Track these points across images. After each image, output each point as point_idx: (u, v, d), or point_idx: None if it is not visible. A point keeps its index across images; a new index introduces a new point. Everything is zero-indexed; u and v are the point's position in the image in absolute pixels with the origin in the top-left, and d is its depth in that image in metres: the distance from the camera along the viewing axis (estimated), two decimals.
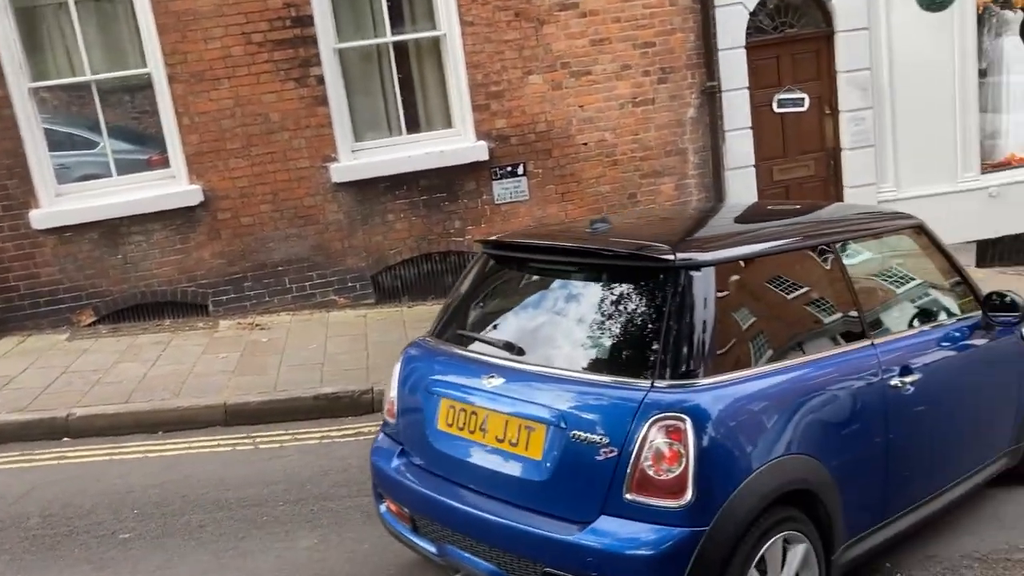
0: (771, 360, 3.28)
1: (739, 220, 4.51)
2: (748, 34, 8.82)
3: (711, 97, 8.75)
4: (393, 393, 3.79)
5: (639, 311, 3.26)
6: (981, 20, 9.37)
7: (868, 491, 3.56)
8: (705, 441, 2.93)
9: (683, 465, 2.90)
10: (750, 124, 8.95)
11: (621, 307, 3.32)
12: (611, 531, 2.94)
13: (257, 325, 7.83)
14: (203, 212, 7.98)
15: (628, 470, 2.94)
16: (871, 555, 3.65)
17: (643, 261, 3.28)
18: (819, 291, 3.66)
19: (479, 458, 3.32)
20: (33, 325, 7.81)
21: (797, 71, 9.12)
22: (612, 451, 2.96)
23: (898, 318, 3.99)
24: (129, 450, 5.65)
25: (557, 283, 3.60)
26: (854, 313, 3.66)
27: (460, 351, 3.64)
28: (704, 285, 3.20)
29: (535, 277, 3.73)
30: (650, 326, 3.17)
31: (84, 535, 4.54)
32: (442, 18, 8.23)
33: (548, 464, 3.10)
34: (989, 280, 8.84)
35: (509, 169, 8.51)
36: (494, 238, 3.98)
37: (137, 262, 7.96)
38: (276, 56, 7.90)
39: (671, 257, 3.22)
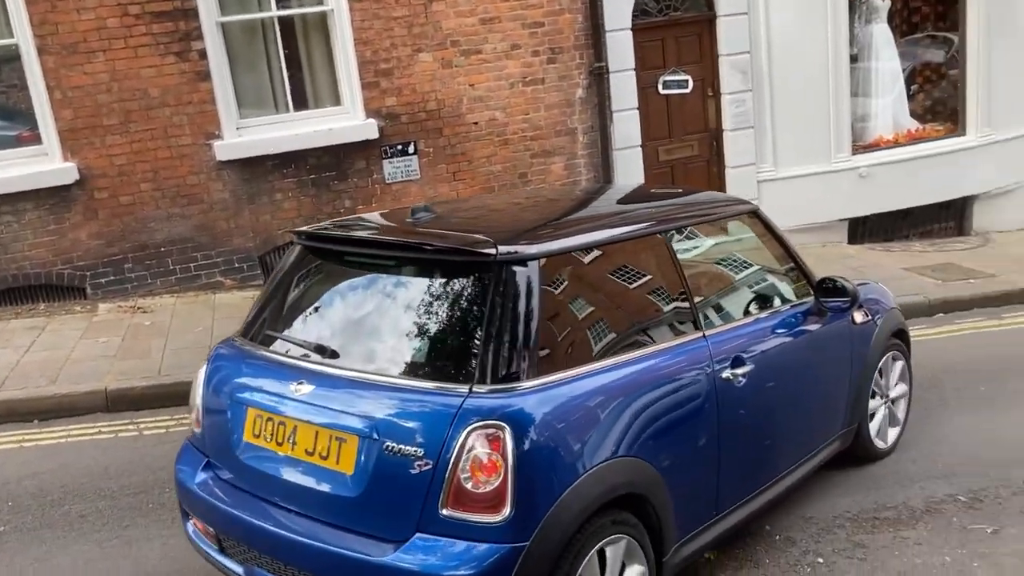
0: (598, 358, 3.16)
1: (573, 209, 4.31)
2: (635, 16, 8.99)
3: (599, 78, 8.89)
4: (198, 400, 3.49)
5: (459, 311, 3.06)
6: (852, 7, 9.79)
7: (700, 488, 3.52)
8: (525, 450, 2.77)
9: (501, 477, 2.73)
10: (637, 105, 9.14)
11: (441, 306, 3.11)
12: (425, 550, 2.76)
13: (139, 308, 7.56)
14: (79, 191, 7.64)
15: (444, 484, 2.75)
16: (704, 550, 3.65)
17: (462, 256, 3.09)
18: (649, 282, 3.58)
19: (288, 473, 3.07)
20: None
21: (682, 54, 9.36)
22: (427, 463, 2.77)
23: (731, 307, 3.95)
24: (2, 440, 5.39)
25: (374, 279, 3.33)
26: (686, 304, 3.59)
27: (269, 354, 3.35)
28: (527, 281, 3.03)
29: (351, 272, 3.44)
30: (470, 327, 2.99)
31: None
32: None
33: (360, 479, 2.89)
34: (859, 256, 9.35)
35: (400, 148, 8.45)
36: (307, 228, 3.67)
37: (7, 244, 7.56)
38: (155, 29, 7.60)
39: (492, 251, 3.02)
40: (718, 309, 3.84)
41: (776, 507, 4.16)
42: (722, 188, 9.68)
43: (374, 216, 4.29)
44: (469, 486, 2.75)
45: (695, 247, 3.97)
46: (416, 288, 3.20)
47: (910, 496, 4.45)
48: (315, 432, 3.01)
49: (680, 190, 5.13)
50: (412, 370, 3.03)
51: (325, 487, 2.97)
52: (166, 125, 7.77)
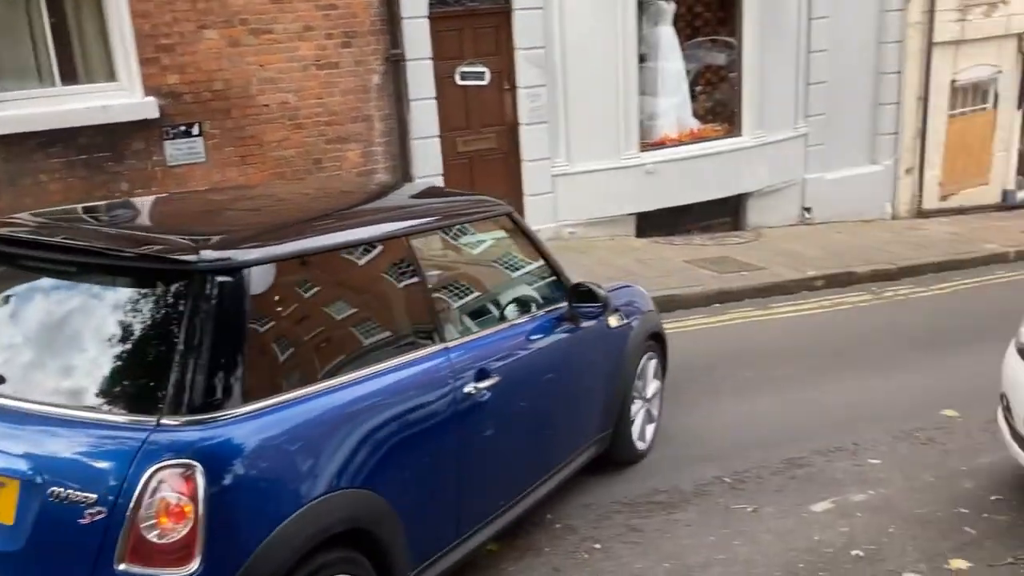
0: (319, 380, 2.85)
1: (311, 209, 3.88)
2: (431, 4, 8.92)
3: (396, 65, 8.76)
4: None
5: (150, 329, 2.65)
6: (641, 8, 10.19)
7: (440, 512, 3.31)
8: (221, 490, 2.44)
9: (191, 523, 2.39)
10: (434, 95, 9.10)
11: (129, 323, 2.67)
12: None
13: None
14: None
15: (121, 535, 2.37)
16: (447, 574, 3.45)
17: (154, 263, 2.67)
18: (387, 292, 3.34)
19: None
20: None
21: (479, 45, 9.40)
22: (100, 511, 2.37)
23: (480, 316, 3.78)
24: None
25: (53, 288, 2.85)
26: (427, 315, 3.36)
27: None
28: (234, 293, 2.66)
29: (24, 279, 2.93)
30: (162, 349, 2.59)
31: None
32: None
33: (21, 530, 2.46)
34: (645, 249, 9.78)
35: (183, 128, 7.97)
36: None
37: None
38: None
39: (191, 258, 2.64)
40: (465, 318, 3.66)
41: (555, 495, 4.26)
42: (518, 181, 9.85)
43: (75, 209, 3.65)
44: (152, 536, 2.39)
45: (443, 252, 3.82)
46: (101, 301, 2.75)
47: (681, 480, 4.69)
48: None
49: (456, 192, 4.98)
50: (90, 399, 2.59)
51: None
52: None
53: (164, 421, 2.47)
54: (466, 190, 4.99)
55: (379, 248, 3.31)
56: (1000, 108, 14.16)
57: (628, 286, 5.21)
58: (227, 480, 2.48)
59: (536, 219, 9.87)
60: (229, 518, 2.48)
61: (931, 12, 12.43)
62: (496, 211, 4.08)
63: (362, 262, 3.25)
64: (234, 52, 8.04)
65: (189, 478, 2.41)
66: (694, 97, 11.15)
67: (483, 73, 9.20)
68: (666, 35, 10.61)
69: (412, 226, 3.49)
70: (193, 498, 2.40)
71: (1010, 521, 4.25)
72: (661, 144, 10.65)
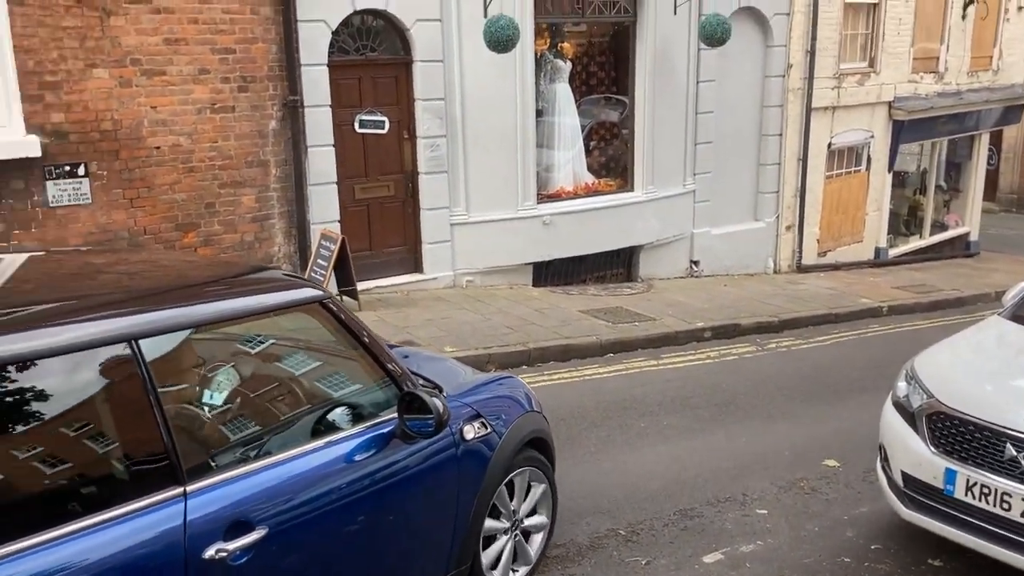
0: None
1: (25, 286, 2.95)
2: (331, 52, 8.92)
3: (294, 111, 8.70)
4: None
5: None
6: (539, 65, 10.46)
7: None
8: None
9: None
10: (333, 142, 9.06)
11: None
12: None
13: None
14: None
15: None
16: None
17: None
18: (87, 419, 2.42)
19: None
20: None
21: (379, 94, 9.43)
22: None
23: (257, 443, 2.82)
24: None
25: None
26: (155, 448, 2.45)
27: None
28: None
29: None
30: None
31: None
32: None
33: None
34: (542, 298, 9.90)
35: (67, 168, 7.67)
36: None
37: None
38: None
39: None
40: (230, 448, 2.76)
41: None
42: (417, 229, 9.86)
43: None
44: None
45: (209, 356, 2.91)
46: None
47: (577, 533, 4.71)
48: None
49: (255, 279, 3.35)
50: None
51: None
52: None
53: None
54: (258, 271, 3.74)
55: (80, 357, 2.39)
56: (872, 170, 15.08)
57: (506, 378, 4.37)
58: None
59: (434, 267, 9.94)
60: None
61: (810, 79, 13.18)
62: (299, 297, 3.13)
63: (50, 378, 2.35)
64: (125, 93, 7.82)
65: None
66: (588, 152, 11.46)
67: (383, 122, 9.22)
68: (563, 91, 10.91)
69: (141, 324, 2.54)
70: None
71: (888, 570, 4.44)
72: (558, 196, 10.87)
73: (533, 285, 10.62)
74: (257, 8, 8.36)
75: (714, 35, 10.68)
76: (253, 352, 3.06)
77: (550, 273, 10.80)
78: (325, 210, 9.11)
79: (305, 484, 2.83)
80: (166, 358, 2.61)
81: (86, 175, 7.77)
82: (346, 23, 9.02)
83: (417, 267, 9.98)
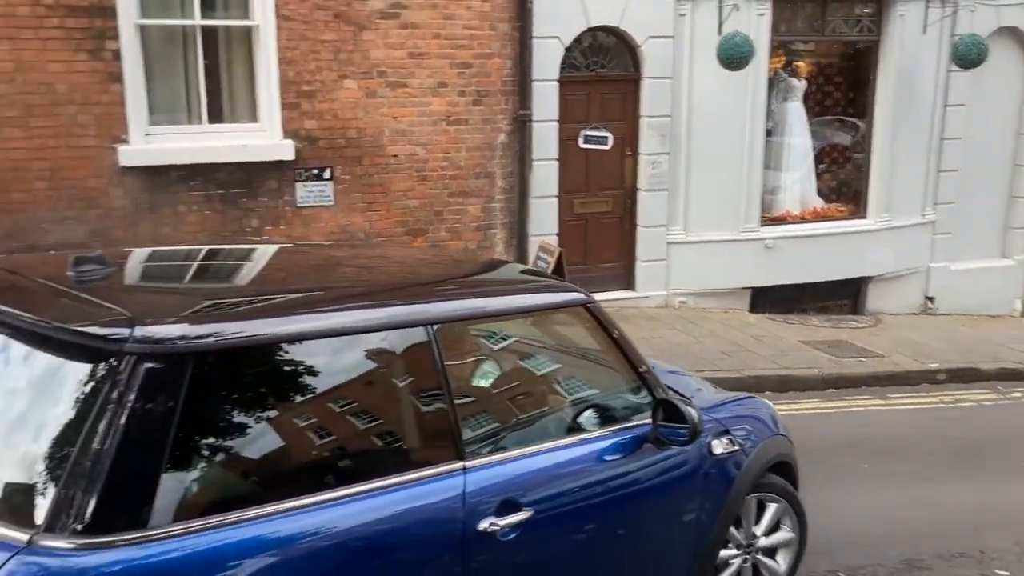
0: (267, 503, 2.28)
1: (309, 281, 3.21)
2: (562, 69, 9.08)
3: (522, 125, 8.93)
4: None
5: (59, 417, 2.15)
6: (771, 84, 10.15)
7: None
8: None
9: None
10: (557, 156, 9.21)
11: (38, 407, 2.23)
12: None
13: None
14: None
15: None
16: None
17: (75, 337, 2.19)
18: (389, 393, 2.69)
19: None
20: None
21: (605, 110, 9.49)
22: None
23: (524, 431, 3.03)
24: None
25: None
26: (444, 425, 2.66)
27: None
28: (167, 383, 2.15)
29: None
30: (61, 445, 2.11)
31: None
32: (257, 8, 7.90)
33: None
34: (759, 325, 9.56)
35: (315, 172, 8.28)
36: None
37: None
38: (69, 23, 7.27)
39: (121, 333, 2.15)
40: (502, 433, 2.95)
41: None
42: (633, 246, 9.82)
43: (47, 258, 3.28)
44: None
45: (487, 348, 3.14)
46: (14, 375, 2.32)
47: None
48: None
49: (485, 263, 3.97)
50: None
51: None
52: (70, 124, 7.41)
53: (41, 540, 1.99)
54: (544, 274, 4.11)
55: (384, 338, 2.67)
56: None
57: (749, 398, 4.28)
58: None
59: (647, 286, 9.84)
60: None
61: None
62: (566, 299, 3.27)
63: (360, 354, 2.63)
64: (370, 103, 8.34)
65: None
66: (818, 175, 10.96)
67: (606, 138, 9.27)
68: (795, 111, 10.52)
69: (436, 314, 2.78)
70: None
71: None
72: (783, 220, 10.48)
73: (750, 311, 10.27)
74: (496, 24, 8.66)
75: (968, 56, 9.92)
76: (517, 347, 3.27)
77: (768, 299, 10.40)
78: (544, 222, 9.27)
79: (565, 476, 2.94)
80: (452, 345, 2.85)
81: (331, 179, 8.34)
82: (578, 40, 9.16)
83: (630, 284, 9.94)
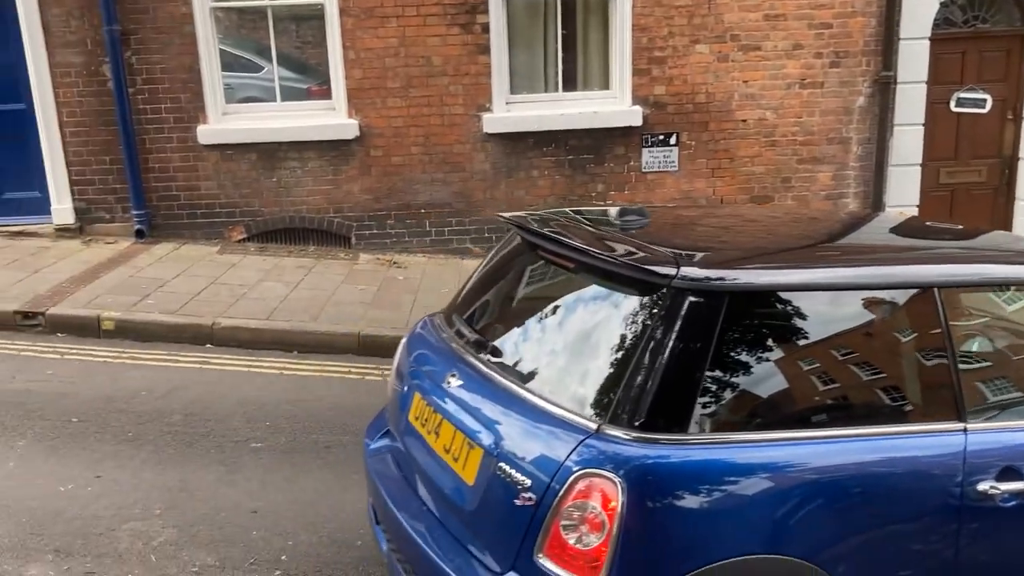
0: (781, 429, 2.56)
1: (816, 237, 3.51)
2: (935, 25, 8.30)
3: (884, 88, 8.31)
4: (393, 370, 3.46)
5: (618, 336, 2.61)
6: None
7: None
8: (641, 514, 2.34)
9: (603, 537, 2.34)
10: (923, 120, 8.47)
11: (600, 326, 2.70)
12: None
13: (394, 263, 7.99)
14: (357, 147, 8.16)
15: (543, 526, 2.40)
16: None
17: (634, 272, 2.64)
18: (891, 347, 2.78)
19: (428, 465, 2.92)
20: (189, 234, 8.21)
21: (983, 70, 8.55)
22: (531, 498, 2.43)
23: (1017, 403, 2.89)
24: (266, 365, 5.88)
25: (554, 281, 3.05)
26: (945, 385, 2.73)
27: (446, 338, 3.21)
28: (708, 317, 2.51)
29: (537, 268, 3.17)
30: (623, 358, 2.54)
31: (219, 438, 4.77)
32: None
33: (477, 493, 2.62)
34: None
35: (661, 138, 8.34)
36: (513, 215, 3.39)
37: (290, 187, 8.23)
38: (445, 0, 7.94)
39: (669, 272, 2.55)
40: (1003, 401, 2.90)
41: None
42: (1008, 221, 8.79)
43: (590, 211, 3.92)
44: (569, 538, 2.38)
45: (985, 313, 3.07)
46: (583, 300, 2.84)
47: None
48: (453, 431, 2.82)
49: (963, 229, 4.01)
50: (549, 389, 2.66)
51: (450, 491, 2.76)
52: (442, 94, 8.11)
53: (606, 430, 2.44)
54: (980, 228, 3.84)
55: (891, 294, 2.79)
56: None
57: None
58: (648, 504, 2.36)
59: None
60: (644, 543, 2.37)
61: None
62: None
63: (864, 308, 2.77)
64: (721, 67, 8.21)
65: (612, 492, 2.34)
66: None
67: (984, 100, 8.36)
68: None
69: (941, 276, 2.83)
70: (611, 513, 2.34)
71: None
72: None
73: None
74: None
75: None
76: (1009, 318, 3.12)
77: None
78: (903, 193, 8.59)
79: None
80: (956, 309, 2.87)
81: (676, 144, 8.36)
82: None
83: None
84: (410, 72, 8.06)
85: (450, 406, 2.88)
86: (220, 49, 8.10)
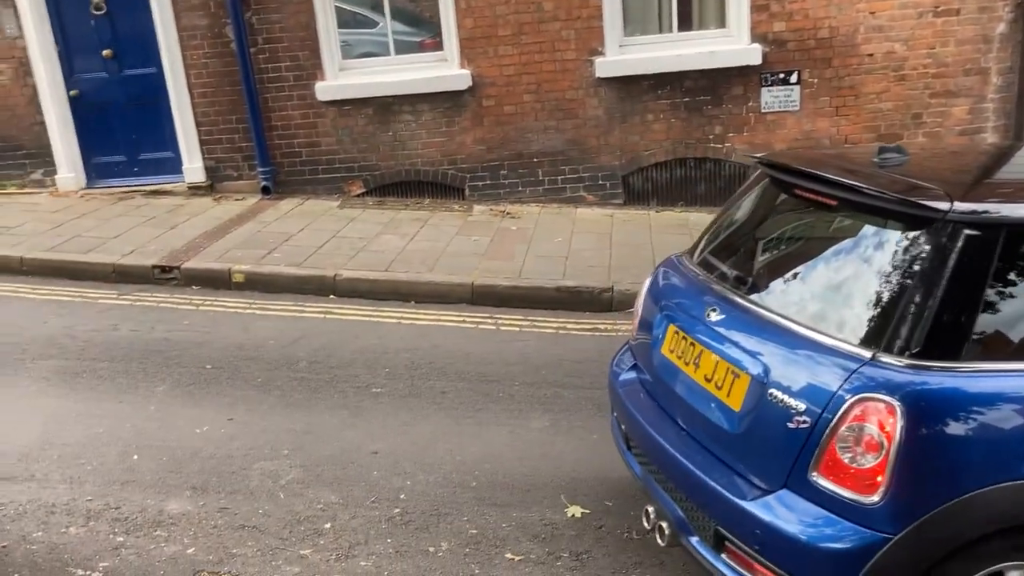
0: None
1: None
2: None
3: None
4: (639, 307, 3.67)
5: (888, 268, 2.72)
6: None
7: None
8: (917, 437, 2.47)
9: (881, 458, 2.48)
10: None
11: (870, 259, 2.82)
12: (785, 509, 2.65)
13: (508, 213, 8.04)
14: (469, 98, 8.20)
15: (818, 447, 2.58)
16: None
17: (905, 207, 2.73)
18: None
19: (687, 394, 3.13)
20: (311, 190, 8.49)
21: None
22: (805, 421, 2.60)
23: None
24: (385, 315, 6.06)
25: (812, 219, 3.21)
26: None
27: (700, 277, 3.40)
28: (981, 251, 2.59)
29: (793, 206, 3.31)
30: (894, 288, 2.67)
31: (343, 384, 4.97)
32: None
33: (744, 418, 2.83)
34: None
35: (781, 76, 8.02)
36: (767, 156, 3.54)
37: (405, 141, 8.36)
38: None
39: (943, 206, 2.64)
40: None
41: None
42: None
43: (823, 154, 3.97)
44: (845, 458, 2.54)
45: None
46: (847, 235, 2.96)
47: None
48: (715, 361, 3.00)
49: None
50: (818, 321, 2.81)
51: (713, 417, 2.96)
52: (554, 39, 8.03)
53: (880, 357, 2.57)
54: None
55: None
56: None
57: None
58: (925, 427, 2.48)
59: None
60: (919, 464, 2.49)
61: None
62: None
63: None
64: None
65: (890, 416, 2.48)
66: None
67: None
68: None
69: None
70: (889, 436, 2.48)
71: None
72: None
73: None
74: None
75: None
76: None
77: None
78: None
79: None
80: None
81: (797, 83, 8.03)
82: None
83: None
84: (521, 19, 8.00)
85: (712, 338, 3.06)
86: (335, 6, 8.24)
